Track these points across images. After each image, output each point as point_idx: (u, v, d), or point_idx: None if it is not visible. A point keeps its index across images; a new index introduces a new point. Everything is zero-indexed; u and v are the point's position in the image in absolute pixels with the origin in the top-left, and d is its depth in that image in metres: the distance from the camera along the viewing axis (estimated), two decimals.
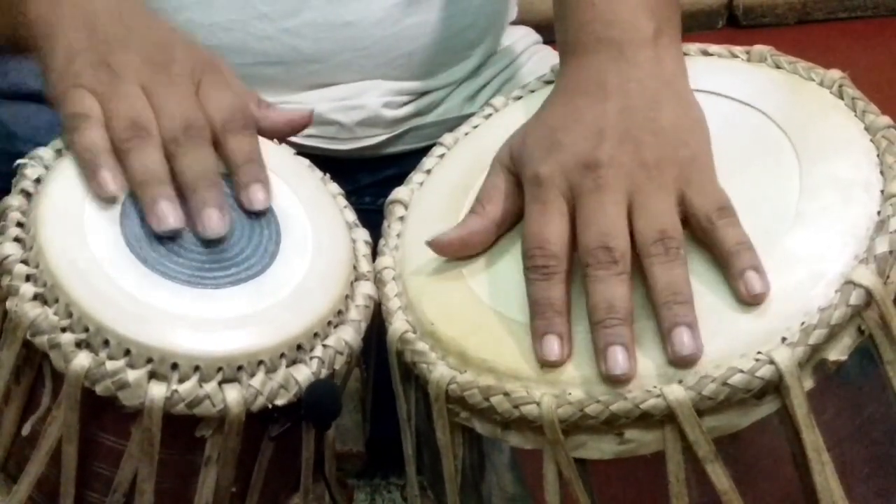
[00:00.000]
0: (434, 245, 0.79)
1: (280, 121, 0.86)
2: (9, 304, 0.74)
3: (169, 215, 0.76)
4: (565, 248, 0.73)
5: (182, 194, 0.77)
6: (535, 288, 0.73)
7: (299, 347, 0.76)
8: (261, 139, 0.88)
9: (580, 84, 0.80)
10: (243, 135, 0.80)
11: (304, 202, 0.84)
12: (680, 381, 0.69)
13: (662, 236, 0.72)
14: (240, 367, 0.74)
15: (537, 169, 0.76)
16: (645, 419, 0.69)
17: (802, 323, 0.69)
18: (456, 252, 0.79)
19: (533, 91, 0.90)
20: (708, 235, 0.73)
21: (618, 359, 0.69)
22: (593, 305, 0.71)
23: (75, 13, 0.81)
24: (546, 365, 0.71)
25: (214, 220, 0.77)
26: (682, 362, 0.69)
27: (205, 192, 0.77)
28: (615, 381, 0.69)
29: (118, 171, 0.77)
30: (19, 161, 0.80)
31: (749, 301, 0.70)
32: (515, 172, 0.79)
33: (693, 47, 0.88)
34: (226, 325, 0.75)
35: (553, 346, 0.71)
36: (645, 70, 0.79)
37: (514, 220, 0.79)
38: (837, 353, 0.70)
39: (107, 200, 0.77)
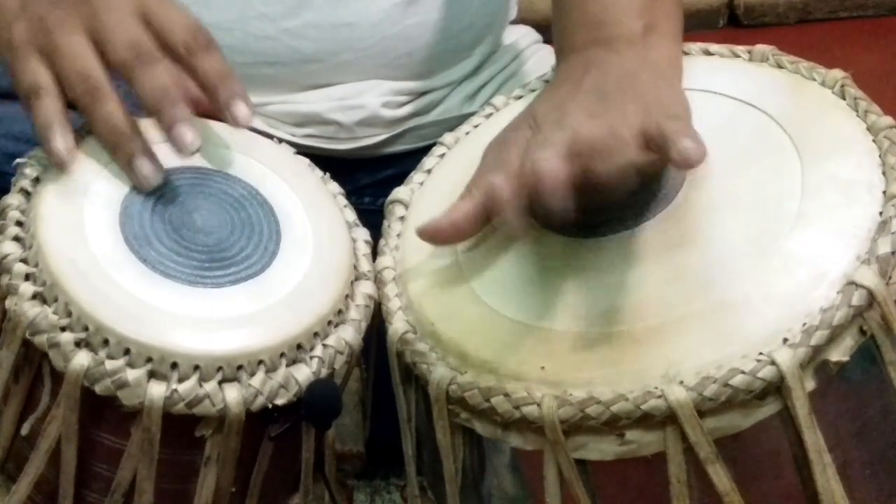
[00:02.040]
0: (425, 232, 0.78)
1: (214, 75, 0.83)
2: (8, 303, 0.74)
3: (149, 173, 0.77)
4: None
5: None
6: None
7: (299, 347, 0.76)
8: (260, 138, 0.88)
9: (566, 76, 0.82)
10: (209, 52, 0.80)
11: (304, 201, 0.84)
12: (681, 382, 0.69)
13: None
14: (240, 367, 0.74)
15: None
16: (646, 420, 0.69)
17: (804, 324, 0.69)
18: (448, 238, 0.78)
19: (534, 90, 0.90)
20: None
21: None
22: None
23: None
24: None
25: (188, 136, 0.77)
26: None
27: (171, 110, 0.77)
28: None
29: (69, 133, 0.77)
30: (18, 160, 0.80)
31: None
32: None
33: (694, 47, 0.88)
34: (225, 324, 0.75)
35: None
36: (629, 59, 0.80)
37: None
38: (839, 353, 0.70)
39: (62, 167, 0.76)
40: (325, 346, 0.77)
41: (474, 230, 0.78)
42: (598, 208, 0.77)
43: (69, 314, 0.73)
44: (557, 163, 0.71)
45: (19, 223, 0.76)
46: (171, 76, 0.78)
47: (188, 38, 0.79)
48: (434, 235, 0.78)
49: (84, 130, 0.81)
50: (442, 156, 0.89)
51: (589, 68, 0.80)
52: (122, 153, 0.77)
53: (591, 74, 0.79)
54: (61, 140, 0.76)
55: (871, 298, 0.70)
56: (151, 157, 0.77)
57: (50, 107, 0.77)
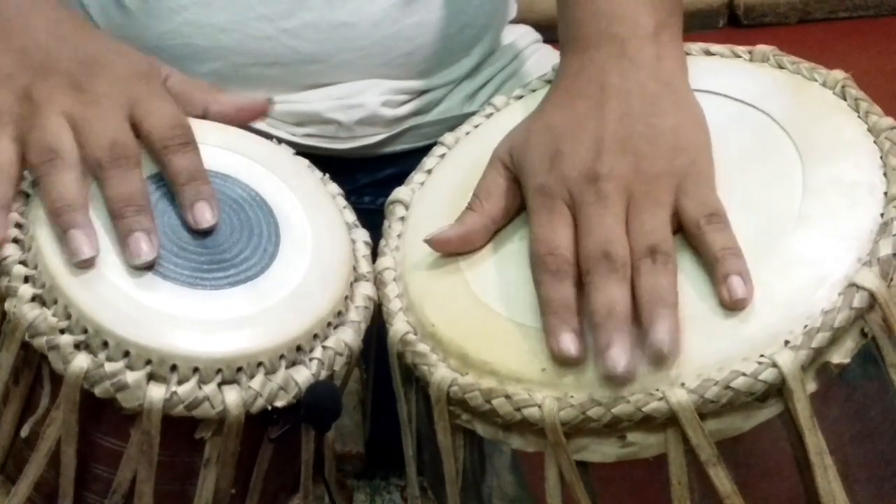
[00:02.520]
0: (433, 242, 0.79)
1: (230, 108, 0.85)
2: (7, 305, 0.74)
3: (82, 245, 0.74)
4: (574, 254, 0.74)
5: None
6: (547, 287, 0.73)
7: (299, 349, 0.76)
8: (259, 139, 0.88)
9: (580, 84, 0.80)
10: (184, 152, 0.79)
11: (303, 203, 0.83)
12: (682, 384, 0.69)
13: (652, 250, 0.72)
14: (239, 369, 0.74)
15: (542, 180, 0.77)
16: (647, 422, 0.69)
17: (805, 326, 0.69)
18: (454, 249, 0.79)
19: (534, 90, 0.90)
20: (697, 241, 0.73)
21: (620, 358, 0.69)
22: (595, 309, 0.71)
23: (8, 35, 0.81)
24: (563, 362, 0.71)
25: (142, 249, 0.75)
26: (655, 357, 0.69)
27: (132, 217, 0.75)
28: (616, 381, 0.69)
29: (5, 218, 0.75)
30: None
31: (731, 306, 0.70)
32: (514, 171, 0.79)
33: (695, 47, 0.87)
34: (225, 326, 0.75)
35: (570, 343, 0.71)
36: (645, 70, 0.79)
37: (510, 216, 0.80)
38: (840, 355, 0.70)
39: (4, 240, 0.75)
40: (324, 347, 0.77)
41: (482, 242, 0.79)
42: None
43: (68, 316, 0.73)
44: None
45: (18, 225, 0.76)
46: (142, 184, 0.77)
47: (167, 134, 0.79)
48: (443, 247, 0.79)
49: None
50: (442, 156, 0.89)
51: (606, 83, 0.79)
52: (61, 221, 0.75)
53: (612, 95, 0.78)
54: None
55: (873, 300, 0.70)
56: (90, 232, 0.75)
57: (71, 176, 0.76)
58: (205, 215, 0.78)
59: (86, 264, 0.74)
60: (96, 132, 0.77)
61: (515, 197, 0.79)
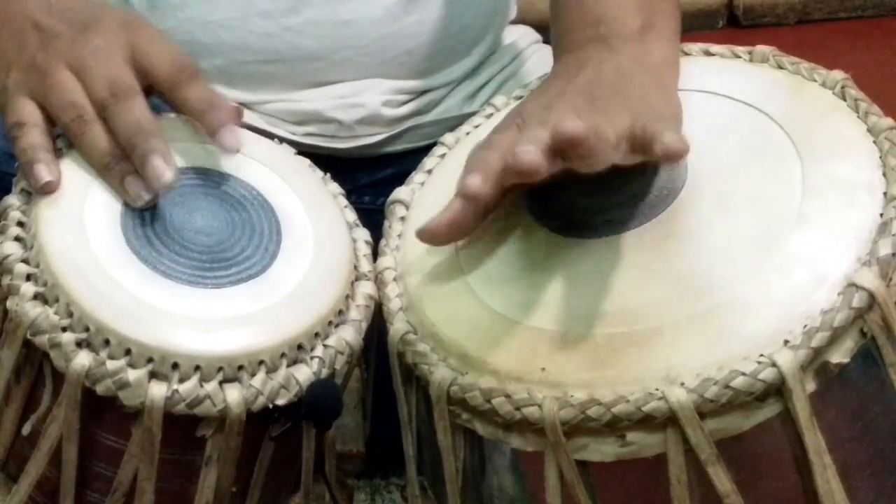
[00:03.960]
0: (424, 234, 0.78)
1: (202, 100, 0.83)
2: (9, 303, 0.74)
3: (141, 191, 0.77)
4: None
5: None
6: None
7: (300, 347, 0.76)
8: (260, 139, 0.88)
9: (559, 74, 0.82)
10: (195, 82, 0.80)
11: (304, 202, 0.84)
12: (682, 384, 0.69)
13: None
14: (240, 367, 0.74)
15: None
16: (647, 421, 0.69)
17: (805, 325, 0.69)
18: (448, 237, 0.78)
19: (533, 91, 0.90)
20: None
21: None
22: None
23: (7, 21, 0.82)
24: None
25: (160, 169, 0.77)
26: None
27: (143, 144, 0.77)
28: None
29: (53, 162, 0.78)
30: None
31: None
32: None
33: (695, 47, 0.88)
34: (226, 324, 0.75)
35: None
36: (627, 57, 0.80)
37: (499, 199, 0.79)
38: (840, 355, 0.70)
39: (46, 193, 0.77)
40: (325, 346, 0.78)
41: (474, 226, 0.78)
42: (599, 209, 0.77)
43: (70, 314, 0.73)
44: (538, 156, 0.71)
45: (20, 223, 0.76)
46: (147, 111, 0.78)
47: (173, 70, 0.80)
48: (433, 236, 0.78)
49: None
50: (442, 156, 0.89)
51: (583, 66, 0.80)
52: (111, 175, 0.78)
53: (584, 73, 0.80)
54: (44, 168, 0.77)
55: (872, 300, 0.70)
56: (138, 177, 0.77)
57: (31, 138, 0.78)
58: (230, 138, 0.80)
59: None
60: (96, 76, 0.78)
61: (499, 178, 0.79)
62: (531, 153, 0.71)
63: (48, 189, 0.77)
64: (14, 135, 0.78)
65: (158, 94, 0.81)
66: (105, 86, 0.78)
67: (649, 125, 0.72)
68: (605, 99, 0.76)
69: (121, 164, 0.77)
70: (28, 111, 0.79)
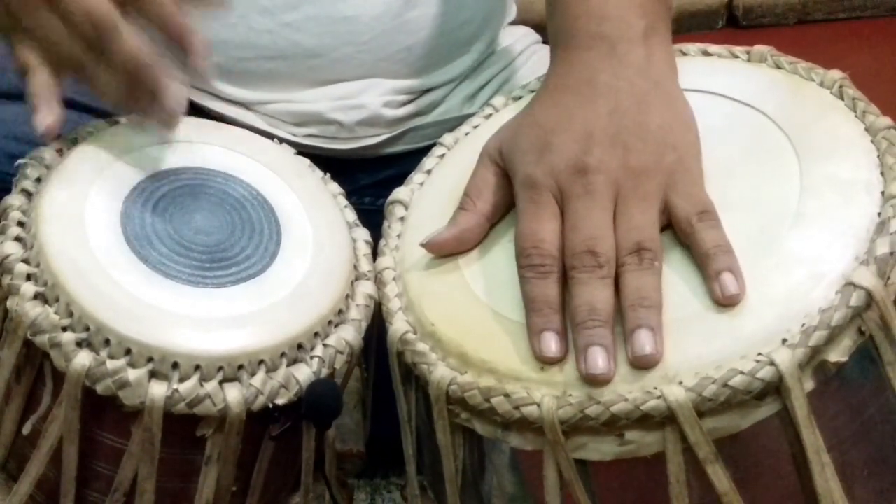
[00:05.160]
0: (429, 246, 0.79)
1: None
2: (9, 303, 0.74)
3: (174, 105, 0.78)
4: (559, 249, 0.74)
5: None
6: (531, 286, 0.74)
7: (300, 347, 0.76)
8: (260, 139, 0.88)
9: (570, 82, 0.80)
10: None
11: (304, 202, 0.84)
12: (680, 383, 0.69)
13: (638, 247, 0.73)
14: (240, 367, 0.74)
15: (529, 171, 0.77)
16: (645, 420, 0.69)
17: (803, 324, 0.69)
18: (451, 250, 0.79)
19: (533, 91, 0.90)
20: (688, 238, 0.74)
21: (597, 360, 0.70)
22: (576, 307, 0.72)
23: None
24: (544, 362, 0.72)
25: (176, 92, 0.78)
26: (639, 362, 0.70)
27: (147, 73, 0.77)
28: (594, 382, 0.70)
29: (55, 105, 0.78)
30: (20, 161, 0.80)
31: (723, 302, 0.71)
32: (504, 167, 0.80)
33: (693, 47, 0.87)
34: (226, 324, 0.75)
35: (551, 343, 0.72)
36: (635, 69, 0.79)
37: (503, 212, 0.80)
38: (838, 354, 0.70)
39: (47, 135, 0.77)
40: (325, 345, 0.78)
41: (477, 240, 0.79)
42: None
43: (70, 314, 0.73)
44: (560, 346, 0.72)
45: (21, 223, 0.77)
46: (138, 41, 0.78)
47: None
48: (439, 249, 0.79)
49: (81, 134, 0.81)
50: (442, 156, 0.89)
51: (596, 80, 0.79)
52: (143, 84, 0.78)
53: (602, 92, 0.78)
54: (45, 111, 0.77)
55: (870, 299, 0.70)
56: (169, 90, 0.78)
57: (38, 81, 0.78)
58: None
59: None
60: (75, 13, 0.77)
61: (506, 192, 0.79)
62: (552, 348, 0.72)
63: (48, 133, 0.77)
64: (24, 77, 0.79)
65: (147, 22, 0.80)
66: (88, 25, 0.77)
67: (694, 221, 0.73)
68: (635, 138, 0.76)
69: (152, 73, 0.77)
70: (32, 53, 0.78)
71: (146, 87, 0.78)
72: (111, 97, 0.79)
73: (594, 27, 0.82)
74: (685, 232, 0.74)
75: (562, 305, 0.73)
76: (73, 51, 0.78)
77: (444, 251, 0.79)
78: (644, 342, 0.70)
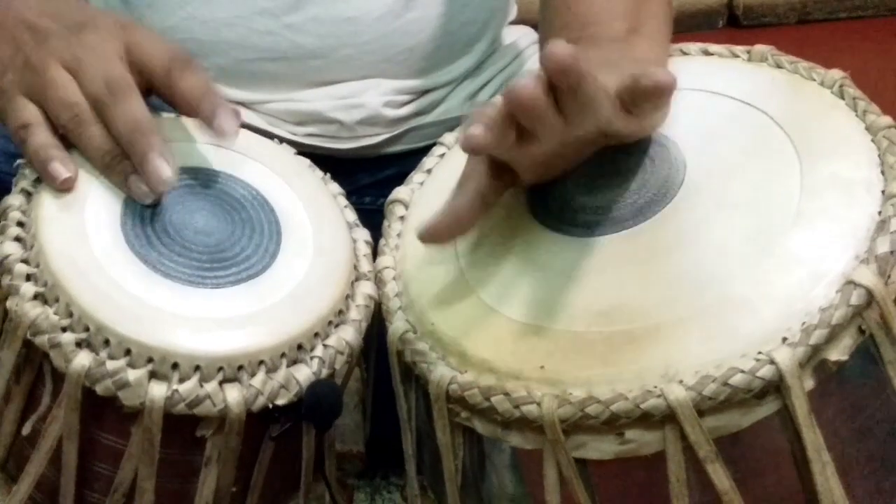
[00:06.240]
0: (425, 235, 0.77)
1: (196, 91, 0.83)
2: (9, 303, 0.74)
3: (146, 189, 0.77)
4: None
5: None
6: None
7: (300, 347, 0.76)
8: (261, 139, 0.88)
9: None
10: (190, 72, 0.81)
11: (304, 202, 0.84)
12: (681, 381, 0.69)
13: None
14: (240, 367, 0.74)
15: None
16: (645, 419, 0.69)
17: (803, 323, 0.69)
18: (449, 235, 0.77)
19: None
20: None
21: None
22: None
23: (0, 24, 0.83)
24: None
25: (160, 168, 0.77)
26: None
27: (141, 141, 0.77)
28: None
29: (67, 158, 0.78)
30: (20, 161, 0.80)
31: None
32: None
33: (694, 47, 0.88)
34: (226, 324, 0.75)
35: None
36: (613, 52, 0.80)
37: (499, 192, 0.78)
38: (838, 353, 0.70)
39: (66, 190, 0.77)
40: (325, 346, 0.78)
41: (474, 222, 0.77)
42: (598, 207, 0.77)
43: (70, 314, 0.73)
44: (537, 87, 0.70)
45: (20, 224, 0.77)
46: (144, 109, 0.79)
47: (167, 61, 0.81)
48: (434, 234, 0.78)
49: None
50: (442, 156, 0.89)
51: None
52: (113, 174, 0.78)
53: None
54: (60, 165, 0.78)
55: (870, 298, 0.70)
56: (139, 175, 0.78)
57: (41, 137, 0.78)
58: (228, 122, 0.80)
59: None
60: (92, 73, 0.79)
61: (501, 173, 0.78)
62: (528, 86, 0.69)
63: (67, 185, 0.77)
64: (21, 137, 0.79)
65: (155, 89, 0.81)
66: (101, 83, 0.78)
67: (635, 72, 0.71)
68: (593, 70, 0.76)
69: (123, 164, 0.78)
70: (30, 111, 0.79)
71: (135, 156, 0.78)
72: (97, 161, 0.79)
73: (577, 32, 0.84)
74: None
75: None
76: (79, 109, 0.78)
77: (441, 235, 0.77)
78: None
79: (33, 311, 0.73)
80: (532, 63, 1.13)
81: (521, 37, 1.15)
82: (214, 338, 0.74)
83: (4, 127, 0.80)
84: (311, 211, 0.83)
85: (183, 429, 0.74)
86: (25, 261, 0.75)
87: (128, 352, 0.73)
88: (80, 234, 0.76)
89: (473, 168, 0.78)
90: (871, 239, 0.72)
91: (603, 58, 0.78)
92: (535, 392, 0.71)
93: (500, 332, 0.74)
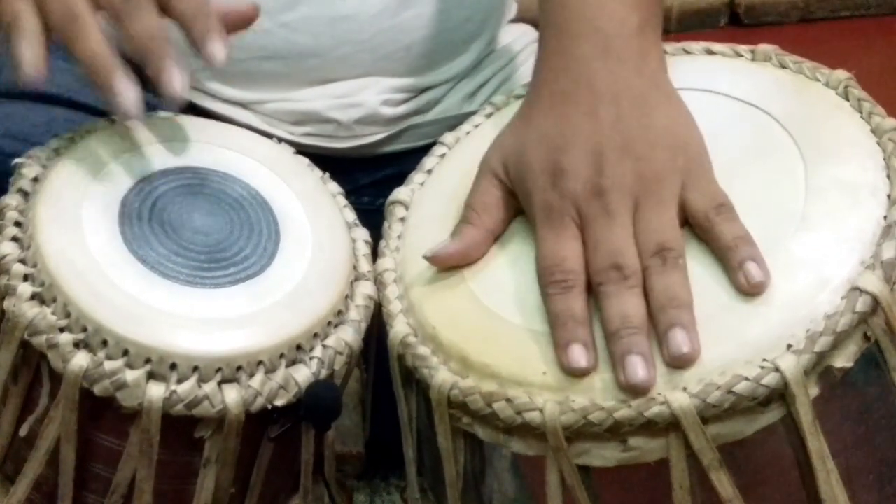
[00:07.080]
0: (433, 260, 0.78)
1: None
2: (6, 303, 0.74)
3: (129, 99, 0.76)
4: (582, 266, 0.74)
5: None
6: (555, 301, 0.73)
7: (299, 348, 0.76)
8: (259, 138, 0.88)
9: (567, 86, 0.79)
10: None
11: (303, 201, 0.84)
12: (684, 389, 0.68)
13: (660, 248, 0.72)
14: (239, 368, 0.74)
15: (546, 197, 0.76)
16: (649, 426, 0.68)
17: (808, 330, 0.69)
18: (455, 264, 0.79)
19: None
20: (707, 234, 0.73)
21: (636, 368, 0.69)
22: (608, 318, 0.71)
23: None
24: (574, 375, 0.71)
25: (175, 77, 0.76)
26: (677, 362, 0.69)
27: (160, 48, 0.76)
28: (634, 390, 0.69)
29: (43, 48, 0.76)
30: (17, 160, 0.80)
31: (749, 291, 0.70)
32: (511, 185, 0.79)
33: (697, 46, 0.87)
34: (225, 325, 0.75)
35: (579, 356, 0.71)
36: (631, 67, 0.79)
37: (507, 226, 0.80)
38: (843, 360, 0.69)
39: (31, 76, 0.75)
40: (324, 346, 0.77)
41: (481, 255, 0.79)
42: None
43: (68, 315, 0.73)
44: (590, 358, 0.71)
45: (18, 223, 0.76)
46: (160, 21, 0.77)
47: None
48: (443, 263, 0.78)
49: (80, 134, 0.81)
50: (442, 156, 0.88)
51: (594, 85, 0.78)
52: (101, 79, 0.76)
53: (602, 100, 0.77)
54: (28, 48, 0.75)
55: (876, 304, 0.69)
56: (131, 84, 0.76)
57: (27, 27, 0.76)
58: (216, 48, 0.79)
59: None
60: None
61: (511, 207, 0.79)
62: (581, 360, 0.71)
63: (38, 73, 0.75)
64: (9, 31, 0.76)
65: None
66: None
67: (711, 215, 0.73)
68: (641, 141, 0.76)
69: (111, 71, 0.76)
70: (21, 6, 0.76)
71: (152, 64, 0.76)
72: (84, 64, 0.76)
73: (589, 17, 0.81)
74: (704, 227, 0.74)
75: (588, 319, 0.72)
76: (73, 2, 0.76)
77: (448, 265, 0.79)
78: (680, 341, 0.69)
79: (31, 311, 0.73)
80: (531, 62, 1.12)
81: (520, 35, 1.15)
82: (213, 338, 0.74)
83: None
84: (309, 210, 0.83)
85: (181, 430, 0.74)
86: (23, 261, 0.75)
87: (126, 352, 0.72)
88: (78, 234, 0.75)
89: (486, 197, 0.79)
90: (876, 244, 0.71)
91: (632, 96, 0.77)
92: (538, 398, 0.70)
93: (502, 338, 0.74)
